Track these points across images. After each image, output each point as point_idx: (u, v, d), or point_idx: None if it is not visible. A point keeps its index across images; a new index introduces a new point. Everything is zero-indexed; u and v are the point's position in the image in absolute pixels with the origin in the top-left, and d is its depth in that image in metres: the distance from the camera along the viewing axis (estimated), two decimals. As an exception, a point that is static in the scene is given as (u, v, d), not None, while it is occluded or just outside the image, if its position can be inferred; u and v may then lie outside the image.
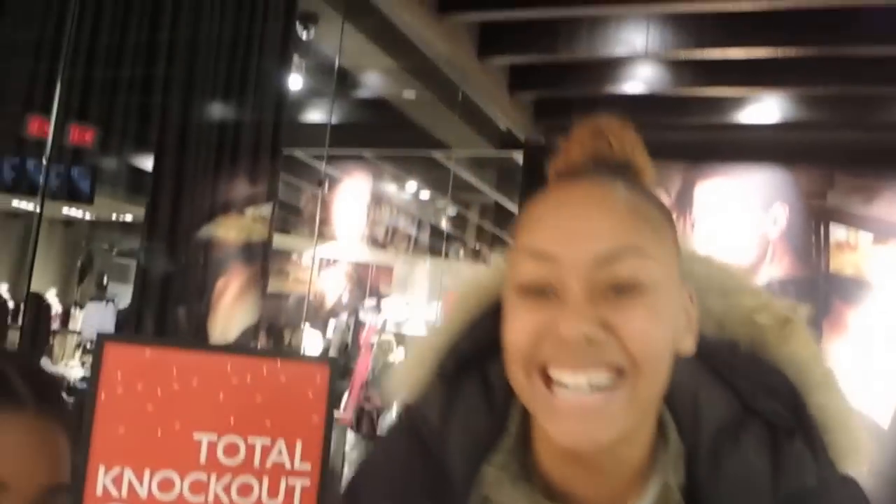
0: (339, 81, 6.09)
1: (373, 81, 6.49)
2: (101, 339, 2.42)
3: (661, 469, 0.82)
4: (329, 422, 2.63)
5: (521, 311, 0.78)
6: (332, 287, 11.45)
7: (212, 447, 2.45)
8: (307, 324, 9.77)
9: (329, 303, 11.39)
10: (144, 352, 2.52)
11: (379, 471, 0.95)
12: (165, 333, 5.04)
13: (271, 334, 9.40)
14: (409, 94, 6.36)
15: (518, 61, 5.84)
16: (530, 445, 0.86)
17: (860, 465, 0.86)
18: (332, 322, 10.85)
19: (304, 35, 5.54)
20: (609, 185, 0.80)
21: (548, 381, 0.77)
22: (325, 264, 11.36)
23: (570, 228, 0.77)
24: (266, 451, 2.44)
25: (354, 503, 0.95)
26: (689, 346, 0.81)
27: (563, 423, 0.76)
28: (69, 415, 0.91)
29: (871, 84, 5.47)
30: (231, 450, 2.45)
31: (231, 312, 6.15)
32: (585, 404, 0.75)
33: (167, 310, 5.18)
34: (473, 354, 0.90)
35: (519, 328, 0.77)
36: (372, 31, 5.52)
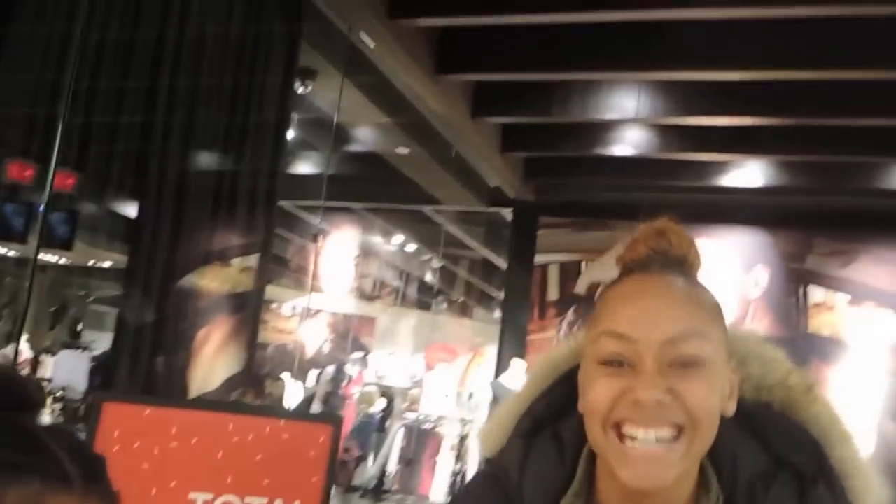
0: (335, 135, 6.21)
1: (366, 136, 6.61)
2: (99, 399, 2.45)
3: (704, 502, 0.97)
4: (330, 482, 2.67)
5: (602, 379, 0.93)
6: (314, 337, 11.46)
7: (207, 508, 2.45)
8: (288, 374, 9.75)
9: (310, 353, 11.38)
10: (144, 411, 2.55)
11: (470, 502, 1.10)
12: (144, 383, 5.02)
13: (251, 384, 9.37)
14: (403, 149, 6.48)
15: (511, 121, 5.98)
16: (594, 488, 1.01)
17: None
18: (311, 372, 10.83)
19: (301, 89, 5.65)
20: (671, 278, 0.96)
21: (620, 434, 0.92)
22: (307, 315, 11.38)
23: (645, 316, 0.94)
24: (262, 511, 2.45)
25: None
26: (732, 408, 0.97)
27: (633, 469, 0.92)
28: (114, 494, 0.91)
29: (849, 153, 5.67)
30: (226, 510, 2.45)
31: (213, 363, 6.12)
32: (651, 454, 0.91)
33: (147, 359, 5.15)
34: (546, 416, 1.07)
35: (600, 393, 0.93)
36: (369, 89, 5.65)
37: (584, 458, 1.03)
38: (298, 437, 2.42)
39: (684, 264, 1.00)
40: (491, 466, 1.08)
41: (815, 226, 6.32)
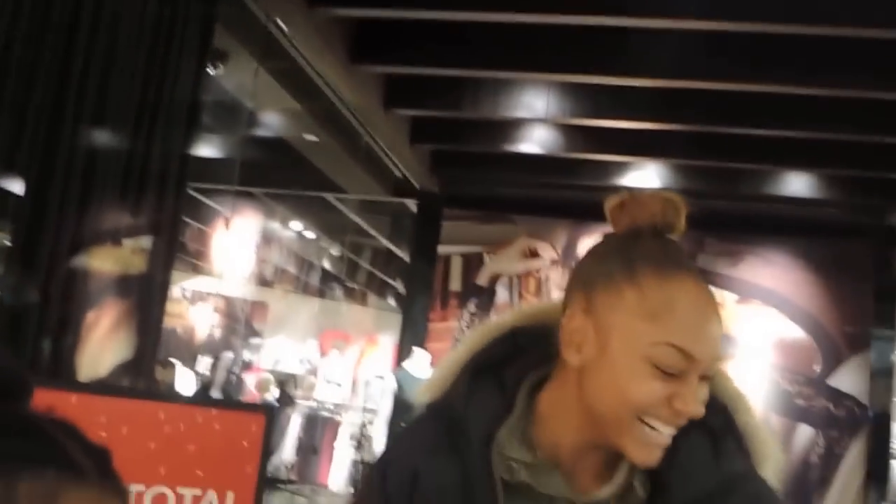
0: (241, 119, 6.15)
1: (274, 122, 6.55)
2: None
3: None
4: (263, 472, 2.70)
5: (654, 382, 1.02)
6: (206, 322, 11.28)
7: (139, 498, 2.46)
8: (180, 360, 9.58)
9: (202, 338, 11.21)
10: (70, 398, 2.51)
11: (411, 435, 1.22)
12: (27, 366, 4.85)
13: (142, 370, 9.16)
14: (311, 137, 6.46)
15: (421, 114, 6.04)
16: (532, 425, 1.13)
17: (772, 470, 1.15)
18: (203, 358, 10.67)
19: (210, 71, 5.57)
20: (705, 282, 1.06)
21: (643, 422, 1.03)
22: (199, 298, 11.19)
23: (709, 336, 1.03)
24: (196, 502, 2.46)
25: (388, 462, 1.20)
26: None
27: (648, 453, 1.04)
28: (124, 489, 0.89)
29: (740, 160, 5.98)
30: (159, 501, 2.47)
31: (102, 347, 5.96)
32: (664, 441, 1.04)
33: (30, 342, 4.99)
34: (489, 363, 1.17)
35: (648, 394, 1.02)
36: (280, 74, 5.61)
37: (523, 395, 1.14)
38: (231, 427, 2.44)
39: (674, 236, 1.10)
40: (436, 404, 1.19)
41: (707, 227, 6.62)
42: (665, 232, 1.08)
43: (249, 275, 10.31)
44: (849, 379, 5.84)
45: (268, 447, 2.55)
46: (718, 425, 1.12)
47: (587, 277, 1.10)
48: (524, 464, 1.11)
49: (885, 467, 5.54)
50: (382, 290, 13.04)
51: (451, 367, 1.20)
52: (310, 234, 10.24)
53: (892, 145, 5.38)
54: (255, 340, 11.42)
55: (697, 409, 1.01)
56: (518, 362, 1.15)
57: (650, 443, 1.02)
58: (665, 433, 1.02)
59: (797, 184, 6.16)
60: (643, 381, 1.02)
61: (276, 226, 9.83)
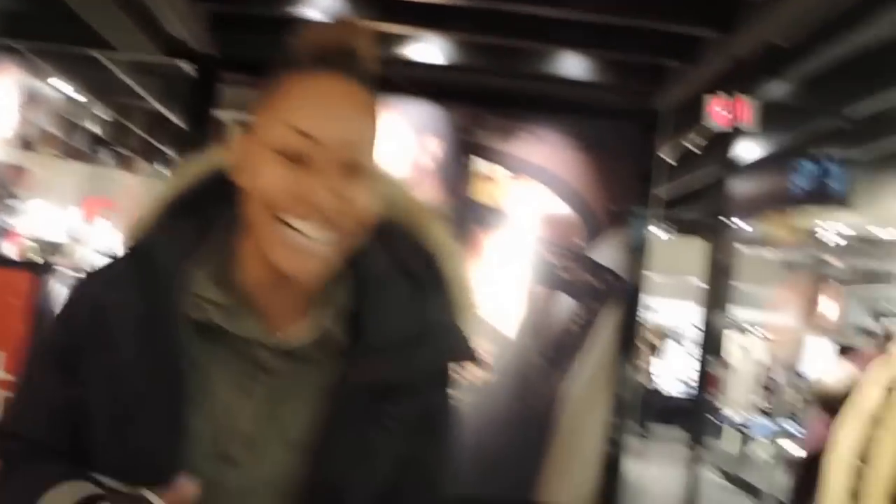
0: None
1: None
2: None
3: (334, 293, 1.12)
4: (35, 331, 2.64)
5: (276, 168, 1.01)
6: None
7: None
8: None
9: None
10: None
11: (101, 272, 1.15)
12: None
13: None
14: (77, -13, 5.99)
15: (200, -29, 5.76)
16: (229, 265, 1.11)
17: (470, 320, 1.19)
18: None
19: None
20: (356, 84, 1.04)
21: (282, 221, 1.01)
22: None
23: (331, 118, 1.01)
24: (-37, 363, 2.38)
25: (71, 297, 1.14)
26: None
27: (291, 257, 1.02)
28: None
29: (519, 37, 6.18)
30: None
31: None
32: (312, 247, 1.02)
33: None
34: (192, 201, 1.15)
35: (272, 182, 1.01)
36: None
37: (220, 234, 1.12)
38: (-1, 285, 2.35)
39: (364, 68, 1.06)
40: (132, 245, 1.14)
41: (484, 103, 6.81)
42: (342, 57, 1.05)
43: (10, 136, 9.53)
44: (609, 253, 6.27)
45: (38, 306, 2.49)
46: (422, 273, 1.15)
47: (257, 105, 1.06)
48: (216, 304, 1.09)
49: (634, 333, 6.09)
50: (154, 156, 12.50)
51: (153, 205, 1.16)
52: (78, 96, 9.57)
53: (662, 32, 5.74)
54: (14, 205, 10.69)
55: (326, 200, 0.99)
56: (223, 201, 1.12)
57: (294, 246, 1.01)
58: (307, 233, 1.01)
59: (572, 65, 6.46)
60: (268, 169, 1.01)
61: (40, 84, 9.08)
